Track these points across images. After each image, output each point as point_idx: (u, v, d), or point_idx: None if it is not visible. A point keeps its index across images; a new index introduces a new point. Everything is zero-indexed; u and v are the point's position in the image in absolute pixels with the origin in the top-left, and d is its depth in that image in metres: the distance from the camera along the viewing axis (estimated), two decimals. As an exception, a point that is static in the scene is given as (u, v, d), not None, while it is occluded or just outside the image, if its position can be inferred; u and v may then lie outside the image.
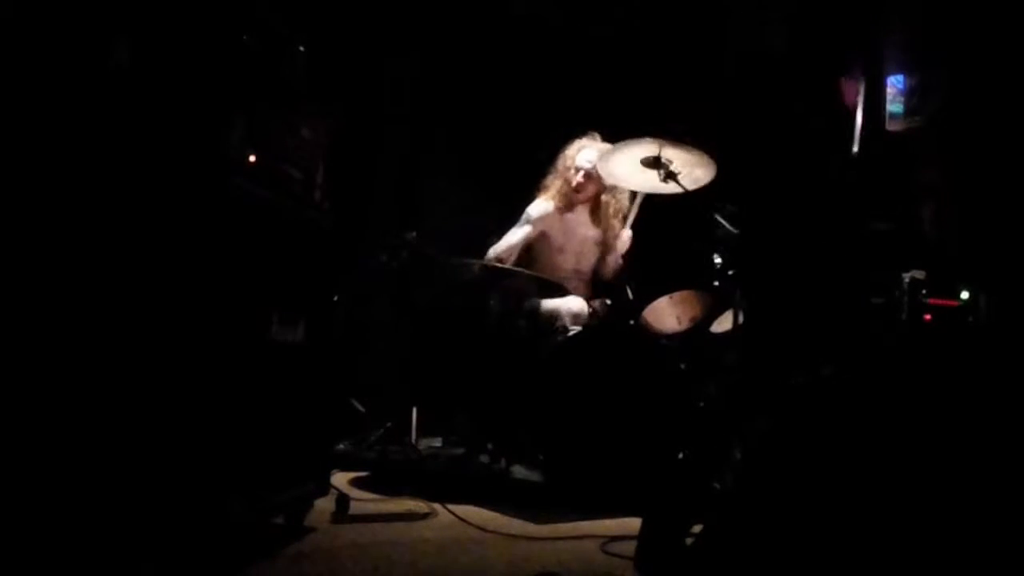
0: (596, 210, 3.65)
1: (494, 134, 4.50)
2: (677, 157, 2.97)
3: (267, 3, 2.10)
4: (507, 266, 3.41)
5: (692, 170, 3.01)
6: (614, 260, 3.72)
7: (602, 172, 3.37)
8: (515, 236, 3.60)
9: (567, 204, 3.62)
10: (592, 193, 3.62)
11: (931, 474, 1.73)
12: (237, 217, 1.89)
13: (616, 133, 3.38)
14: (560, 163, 3.66)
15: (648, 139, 2.97)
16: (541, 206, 3.63)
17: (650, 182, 3.04)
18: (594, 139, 3.62)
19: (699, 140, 2.97)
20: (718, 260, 3.04)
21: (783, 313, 1.95)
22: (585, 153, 3.59)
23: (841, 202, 1.91)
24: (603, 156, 3.27)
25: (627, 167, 3.09)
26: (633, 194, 3.64)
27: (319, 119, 2.30)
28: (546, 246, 3.64)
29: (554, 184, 3.65)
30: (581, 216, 3.66)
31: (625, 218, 3.69)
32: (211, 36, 1.88)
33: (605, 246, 3.72)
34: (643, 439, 2.95)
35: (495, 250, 3.57)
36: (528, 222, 3.61)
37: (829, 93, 1.88)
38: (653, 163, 2.97)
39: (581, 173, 3.56)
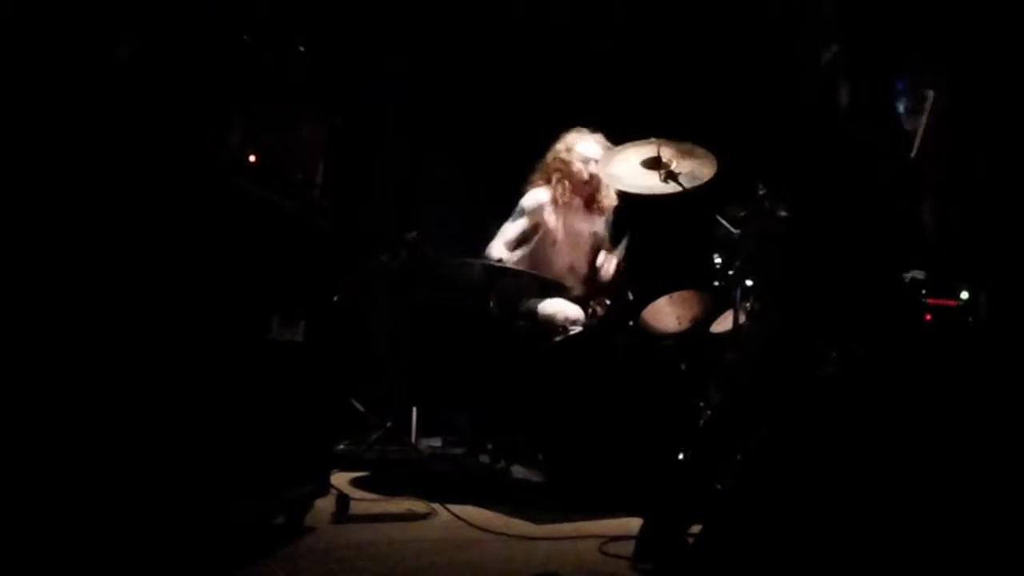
0: (591, 204, 3.62)
1: (494, 134, 4.49)
2: (677, 156, 2.95)
3: (267, 3, 2.10)
4: (507, 266, 3.40)
5: (693, 168, 2.98)
6: (605, 271, 3.69)
7: (603, 175, 3.35)
8: (511, 230, 3.56)
9: (564, 197, 3.57)
10: (595, 186, 3.59)
11: (931, 475, 1.73)
12: (237, 217, 1.89)
13: (616, 132, 3.39)
14: (558, 156, 3.60)
15: (647, 141, 2.95)
16: (536, 197, 3.58)
17: (651, 184, 3.03)
18: (581, 132, 3.58)
19: (701, 140, 2.96)
20: (718, 260, 3.04)
21: (807, 312, 1.95)
22: (586, 146, 3.55)
23: (891, 208, 1.91)
24: (604, 158, 3.26)
25: (628, 168, 3.08)
26: (620, 240, 3.62)
27: (319, 119, 2.30)
28: (541, 239, 3.59)
29: (551, 176, 3.59)
30: (576, 210, 3.61)
31: (614, 211, 3.69)
32: (211, 36, 1.88)
33: (598, 241, 3.71)
34: (643, 439, 2.95)
35: (494, 247, 3.52)
36: (523, 214, 3.57)
37: (881, 97, 1.87)
38: (653, 164, 2.97)
39: (591, 163, 3.51)
